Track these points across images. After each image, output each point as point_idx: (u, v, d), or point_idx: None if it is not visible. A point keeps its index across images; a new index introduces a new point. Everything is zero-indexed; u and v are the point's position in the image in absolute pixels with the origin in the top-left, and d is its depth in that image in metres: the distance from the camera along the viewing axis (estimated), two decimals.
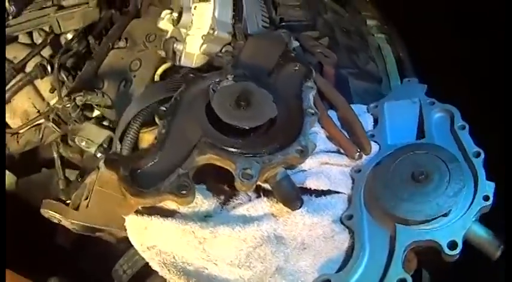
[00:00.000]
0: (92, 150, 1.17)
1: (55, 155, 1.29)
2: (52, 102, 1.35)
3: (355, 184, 1.05)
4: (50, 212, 1.10)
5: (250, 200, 1.02)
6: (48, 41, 1.36)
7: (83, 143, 1.18)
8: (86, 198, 1.14)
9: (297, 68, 1.14)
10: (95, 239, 1.15)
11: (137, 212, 0.99)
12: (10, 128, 1.36)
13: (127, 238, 0.99)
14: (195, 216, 0.99)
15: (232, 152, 0.95)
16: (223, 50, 1.23)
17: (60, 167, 1.28)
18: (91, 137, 1.18)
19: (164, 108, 1.03)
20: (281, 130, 1.01)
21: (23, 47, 1.37)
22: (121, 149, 1.12)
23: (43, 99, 1.37)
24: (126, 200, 0.93)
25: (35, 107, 1.35)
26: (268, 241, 0.96)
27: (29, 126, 1.33)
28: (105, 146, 1.17)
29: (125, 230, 0.99)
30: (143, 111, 1.12)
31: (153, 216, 0.97)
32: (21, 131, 1.35)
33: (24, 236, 1.21)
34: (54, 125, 1.23)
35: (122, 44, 1.38)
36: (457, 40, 1.43)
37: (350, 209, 1.01)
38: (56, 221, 1.11)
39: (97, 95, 1.22)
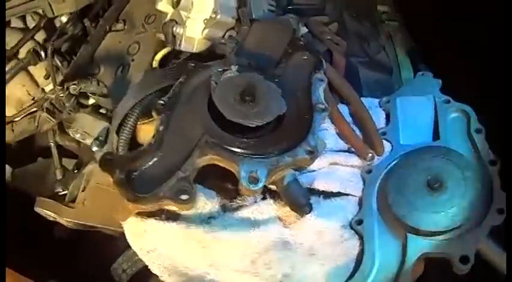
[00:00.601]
0: (88, 142, 1.02)
1: (51, 144, 1.13)
2: (47, 89, 1.17)
3: (366, 186, 0.90)
4: (44, 210, 0.96)
5: (255, 202, 0.87)
6: (42, 24, 1.16)
7: (78, 135, 1.02)
8: (83, 190, 1.01)
9: (306, 57, 0.96)
10: (94, 233, 1.02)
11: (135, 213, 0.85)
12: None
13: None
14: (198, 219, 0.85)
15: (237, 152, 0.80)
16: (226, 36, 1.05)
17: (56, 156, 1.13)
18: (86, 129, 1.02)
19: (162, 102, 0.86)
20: (289, 128, 0.85)
21: (15, 32, 1.17)
22: (118, 142, 0.96)
23: (38, 85, 1.19)
24: (122, 205, 0.80)
25: (30, 94, 1.18)
26: (275, 247, 0.83)
27: (23, 115, 1.16)
28: (101, 138, 1.01)
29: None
30: (141, 102, 0.96)
31: (153, 219, 0.84)
32: (16, 120, 1.18)
33: (21, 228, 1.08)
34: (48, 115, 1.06)
35: (119, 26, 1.19)
36: (465, 27, 1.23)
37: (360, 213, 0.87)
38: (51, 219, 0.98)
39: (91, 83, 1.05)
